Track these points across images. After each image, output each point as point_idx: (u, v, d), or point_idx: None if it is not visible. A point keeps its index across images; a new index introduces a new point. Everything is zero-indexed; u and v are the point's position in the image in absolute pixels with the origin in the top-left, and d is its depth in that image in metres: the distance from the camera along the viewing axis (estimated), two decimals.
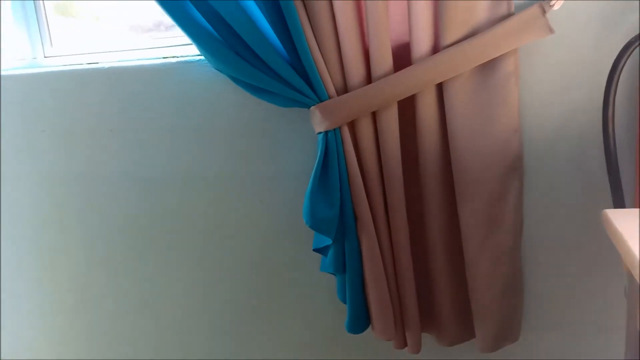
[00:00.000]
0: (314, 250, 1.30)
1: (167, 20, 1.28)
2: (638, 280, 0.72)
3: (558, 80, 1.16)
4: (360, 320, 1.33)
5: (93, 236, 1.59)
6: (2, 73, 1.55)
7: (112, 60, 1.53)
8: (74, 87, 1.49)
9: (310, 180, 1.22)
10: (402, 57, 1.20)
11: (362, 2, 1.16)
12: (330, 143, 1.21)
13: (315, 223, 1.20)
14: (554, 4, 1.11)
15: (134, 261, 1.59)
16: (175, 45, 1.50)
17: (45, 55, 1.61)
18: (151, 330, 1.64)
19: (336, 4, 1.14)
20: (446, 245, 1.27)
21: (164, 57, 1.49)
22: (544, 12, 1.11)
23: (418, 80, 1.15)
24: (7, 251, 1.67)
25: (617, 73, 1.03)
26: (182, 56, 1.46)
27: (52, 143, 1.54)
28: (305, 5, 1.16)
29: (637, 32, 1.06)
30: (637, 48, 1.03)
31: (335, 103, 1.19)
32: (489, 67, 1.14)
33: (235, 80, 1.28)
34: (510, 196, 1.22)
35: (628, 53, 1.02)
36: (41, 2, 1.58)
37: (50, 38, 1.61)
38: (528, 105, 1.18)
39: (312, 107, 1.21)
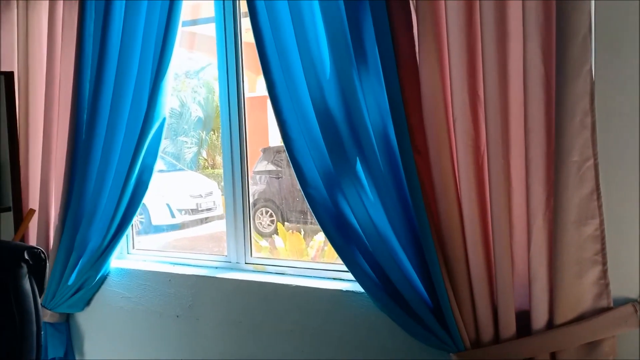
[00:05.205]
0: None
1: None
2: None
3: None
4: None
5: None
6: (214, 274, 2.16)
7: (296, 274, 2.09)
8: (265, 292, 2.05)
9: None
10: (523, 322, 1.59)
11: (493, 270, 1.59)
12: None
13: None
14: None
15: None
16: (341, 271, 2.02)
17: (246, 262, 2.21)
18: None
19: (474, 276, 1.59)
20: None
21: (333, 279, 2.02)
22: (636, 310, 1.47)
23: (535, 348, 1.54)
24: None
25: None
26: (348, 280, 1.97)
27: (245, 333, 2.08)
28: (447, 267, 1.61)
29: None
30: None
31: (470, 355, 1.60)
32: (591, 346, 1.51)
33: (390, 316, 1.75)
34: None
35: None
36: (249, 223, 2.21)
37: (251, 249, 2.22)
38: None
39: (452, 355, 1.62)
